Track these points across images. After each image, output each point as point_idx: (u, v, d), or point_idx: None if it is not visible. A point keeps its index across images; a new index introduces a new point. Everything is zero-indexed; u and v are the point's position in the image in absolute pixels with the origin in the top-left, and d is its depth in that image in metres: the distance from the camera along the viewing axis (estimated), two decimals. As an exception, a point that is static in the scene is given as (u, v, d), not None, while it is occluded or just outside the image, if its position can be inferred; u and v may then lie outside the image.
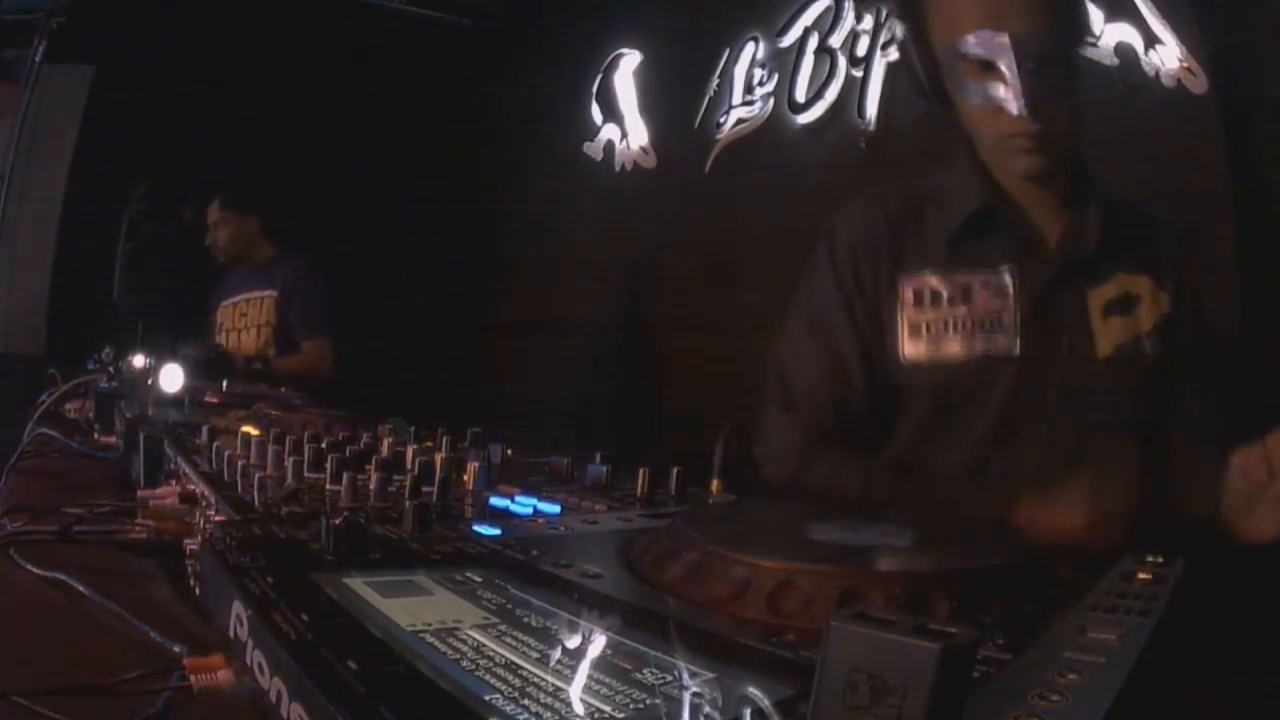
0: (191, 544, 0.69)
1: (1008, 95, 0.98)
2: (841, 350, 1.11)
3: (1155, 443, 1.06)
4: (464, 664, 0.38)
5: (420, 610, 0.45)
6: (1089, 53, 2.06)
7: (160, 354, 1.89)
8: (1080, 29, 1.03)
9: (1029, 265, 1.06)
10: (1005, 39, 0.96)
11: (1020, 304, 1.05)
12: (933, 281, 1.08)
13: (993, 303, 1.06)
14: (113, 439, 1.52)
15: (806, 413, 1.12)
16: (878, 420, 1.11)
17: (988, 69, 0.99)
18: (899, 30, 1.10)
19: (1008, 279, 1.06)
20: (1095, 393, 1.04)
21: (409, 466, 0.88)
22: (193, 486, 0.88)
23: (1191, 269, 1.12)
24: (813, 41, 2.82)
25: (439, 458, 0.89)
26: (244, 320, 3.08)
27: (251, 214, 3.09)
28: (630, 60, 3.57)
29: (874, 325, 1.10)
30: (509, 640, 0.42)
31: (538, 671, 0.38)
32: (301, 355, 2.98)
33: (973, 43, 0.98)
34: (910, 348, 1.08)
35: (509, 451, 1.08)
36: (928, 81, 1.08)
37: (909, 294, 1.08)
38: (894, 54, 2.57)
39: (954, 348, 1.06)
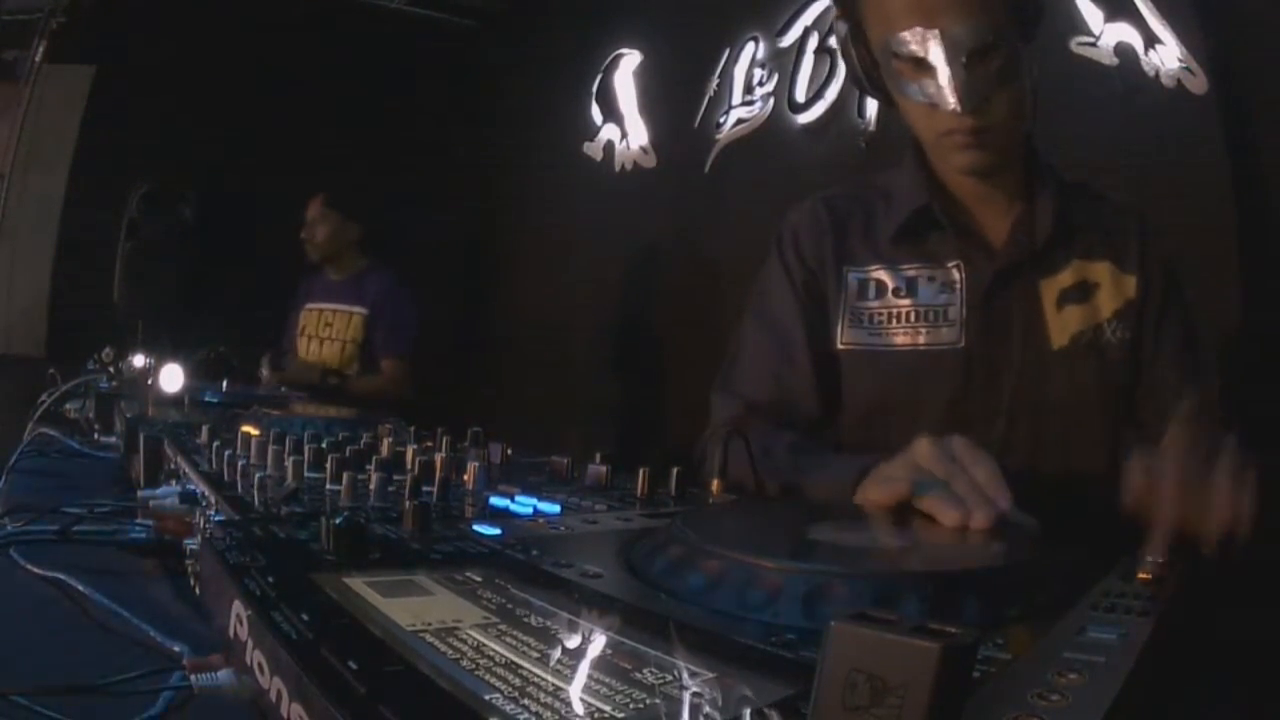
0: (191, 544, 0.69)
1: (942, 92, 0.97)
2: (788, 338, 1.12)
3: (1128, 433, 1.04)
4: (464, 664, 0.38)
5: (420, 610, 0.45)
6: (1089, 53, 2.07)
7: (180, 357, 1.88)
8: (1023, 19, 1.00)
9: (976, 259, 1.06)
10: (936, 35, 0.95)
11: (966, 297, 1.05)
12: (878, 274, 1.09)
13: (938, 296, 1.06)
14: (113, 439, 1.52)
15: (745, 395, 1.13)
16: (826, 413, 1.12)
17: (922, 66, 0.98)
18: (840, 28, 1.09)
19: (955, 274, 1.06)
20: (1054, 385, 1.03)
21: (409, 466, 0.88)
22: (193, 486, 0.88)
23: (1159, 249, 1.10)
24: (813, 41, 2.82)
25: (439, 458, 0.89)
26: (329, 330, 3.07)
27: (354, 219, 3.08)
28: (630, 60, 3.56)
29: (820, 318, 1.12)
30: (509, 640, 0.42)
31: (538, 671, 0.38)
32: (381, 376, 2.99)
33: (906, 40, 0.97)
34: (851, 336, 1.09)
35: (509, 451, 1.08)
36: (867, 80, 1.07)
37: (854, 286, 1.10)
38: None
39: (897, 339, 1.07)
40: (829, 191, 1.19)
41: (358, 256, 3.10)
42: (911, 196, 1.09)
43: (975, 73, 0.96)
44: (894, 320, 1.08)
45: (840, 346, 1.10)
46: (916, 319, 1.06)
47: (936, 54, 0.96)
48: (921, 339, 1.06)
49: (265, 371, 2.73)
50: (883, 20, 1.00)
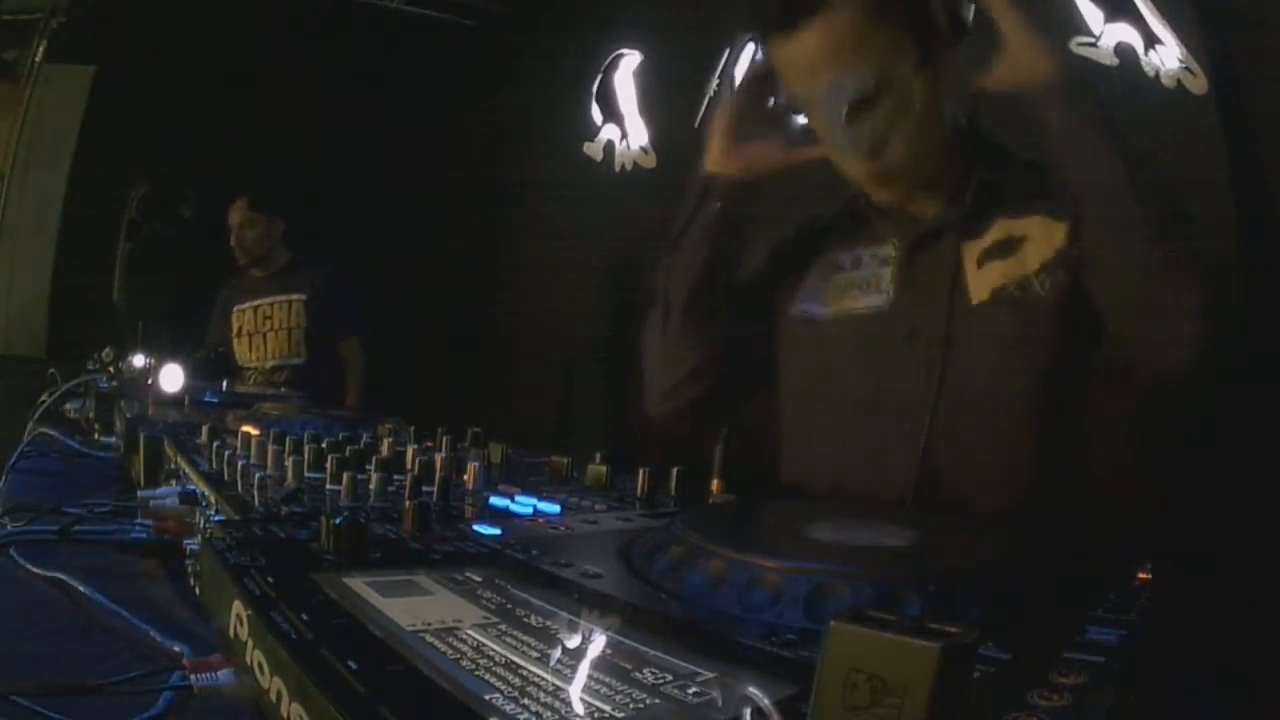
0: (191, 544, 0.69)
1: (834, 143, 1.03)
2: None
3: (1073, 395, 1.05)
4: (464, 663, 0.38)
5: (420, 610, 0.45)
6: (1089, 53, 2.07)
7: (176, 358, 1.89)
8: (927, 41, 1.01)
9: (909, 231, 1.11)
10: (815, 94, 1.00)
11: (896, 265, 1.10)
12: (827, 256, 1.18)
13: (878, 270, 1.13)
14: (113, 439, 1.52)
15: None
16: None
17: (814, 118, 1.04)
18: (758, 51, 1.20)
19: (890, 250, 1.12)
20: (973, 340, 1.05)
21: (409, 466, 0.88)
22: (193, 486, 0.88)
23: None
24: (813, 41, 2.82)
25: (439, 458, 0.89)
26: (269, 323, 3.12)
27: (278, 217, 3.14)
28: (630, 60, 3.56)
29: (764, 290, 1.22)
30: (509, 640, 0.42)
31: (538, 671, 0.38)
32: (348, 362, 3.13)
33: (795, 96, 1.04)
34: (800, 310, 1.18)
35: (509, 451, 1.08)
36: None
37: (809, 266, 1.19)
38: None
39: (836, 307, 1.15)
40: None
41: (282, 252, 3.18)
42: (847, 197, 1.17)
43: (860, 123, 0.99)
44: (837, 293, 1.15)
45: (790, 316, 1.18)
46: (854, 289, 1.14)
47: (819, 109, 1.01)
48: (858, 305, 1.13)
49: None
50: (782, 73, 1.06)
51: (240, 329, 3.15)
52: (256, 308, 3.14)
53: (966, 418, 1.03)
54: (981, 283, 1.06)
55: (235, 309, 3.18)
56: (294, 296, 3.11)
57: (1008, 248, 1.06)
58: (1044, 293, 1.03)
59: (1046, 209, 1.05)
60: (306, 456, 0.88)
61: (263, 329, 3.13)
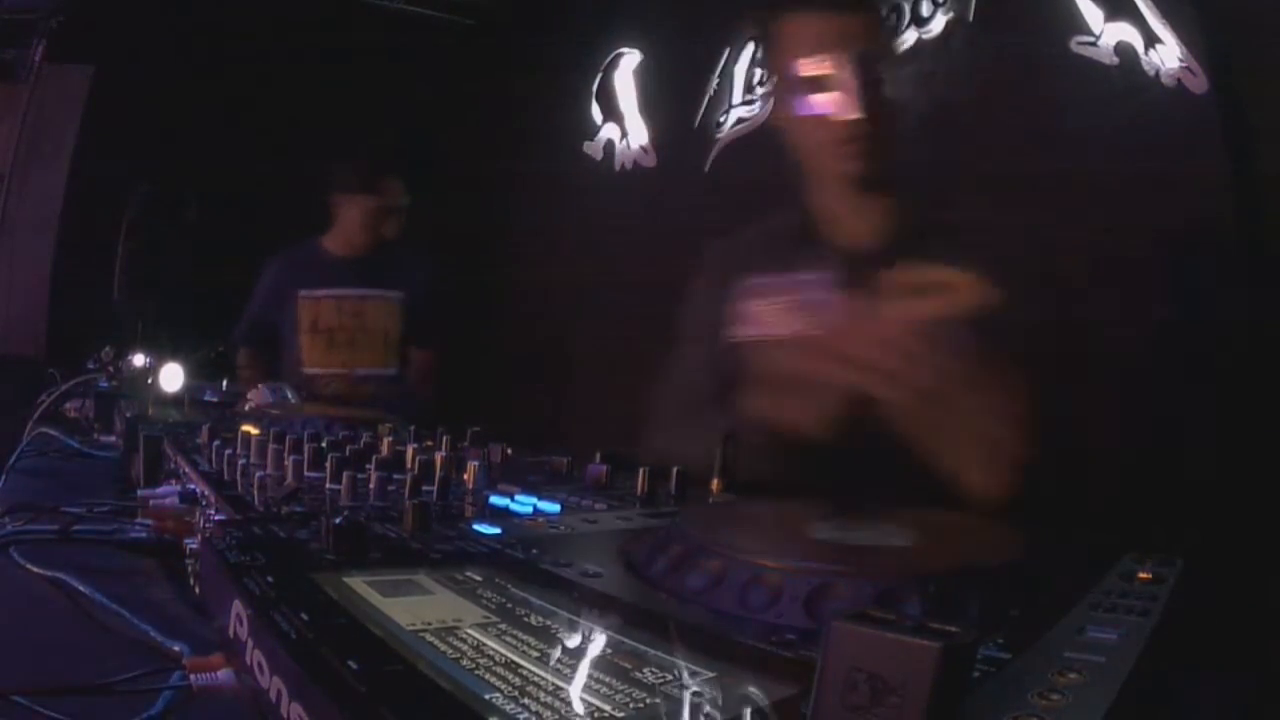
0: (191, 544, 0.69)
1: (840, 102, 1.14)
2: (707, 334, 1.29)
3: None
4: (464, 663, 0.38)
5: (420, 609, 0.45)
6: (1089, 52, 2.07)
7: (176, 357, 1.82)
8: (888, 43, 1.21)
9: (847, 256, 1.20)
10: (836, 57, 1.14)
11: (837, 289, 1.15)
12: (772, 278, 1.21)
13: (818, 294, 1.16)
14: (113, 439, 1.52)
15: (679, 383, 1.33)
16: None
17: (821, 83, 1.16)
18: (758, 51, 1.27)
19: (833, 274, 1.16)
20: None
21: (409, 466, 0.88)
22: (193, 486, 0.88)
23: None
24: (812, 41, 2.82)
25: (439, 457, 0.89)
26: (359, 322, 2.54)
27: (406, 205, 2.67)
28: (630, 60, 3.56)
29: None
30: (509, 639, 0.42)
31: (538, 670, 0.38)
32: (418, 371, 2.61)
33: (809, 64, 1.16)
34: (744, 330, 1.21)
35: (509, 451, 1.08)
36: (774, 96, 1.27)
37: (752, 289, 1.22)
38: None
39: (779, 329, 1.17)
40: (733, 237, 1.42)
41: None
42: (793, 216, 1.30)
43: (869, 87, 1.14)
44: (779, 315, 1.18)
45: (737, 342, 1.22)
46: (795, 312, 1.17)
47: (837, 72, 1.14)
48: (796, 327, 1.16)
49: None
50: (792, 46, 1.19)
51: (316, 323, 2.54)
52: (340, 300, 2.55)
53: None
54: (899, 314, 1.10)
55: (303, 295, 2.55)
56: (390, 294, 2.57)
57: (926, 290, 1.10)
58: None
59: (939, 254, 1.11)
60: (306, 456, 0.88)
61: (349, 328, 2.54)
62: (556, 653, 0.41)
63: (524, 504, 0.78)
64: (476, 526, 0.67)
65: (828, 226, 1.28)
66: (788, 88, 1.21)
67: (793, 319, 1.17)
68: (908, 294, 1.10)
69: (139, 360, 2.21)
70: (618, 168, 3.57)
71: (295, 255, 2.69)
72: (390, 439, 1.06)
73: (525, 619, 0.45)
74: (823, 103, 1.16)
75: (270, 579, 0.48)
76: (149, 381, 1.82)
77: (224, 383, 2.02)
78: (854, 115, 1.14)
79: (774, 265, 1.24)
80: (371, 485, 0.80)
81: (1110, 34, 2.04)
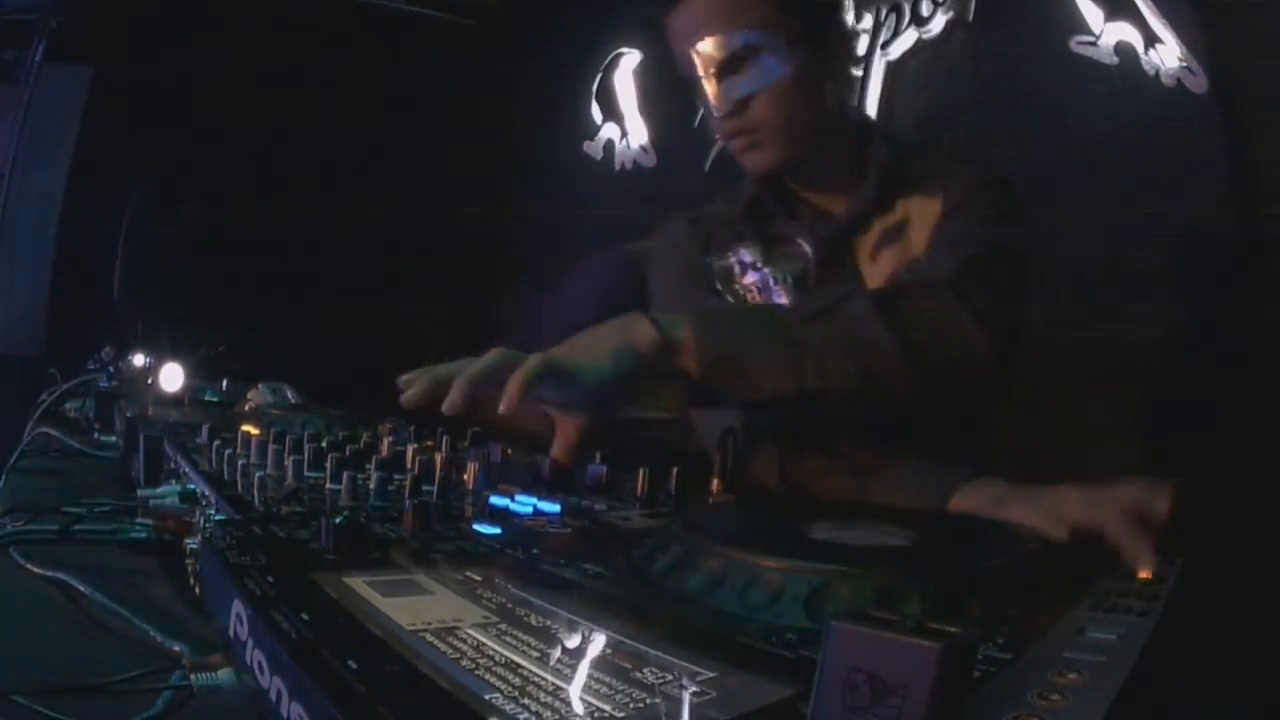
0: (191, 544, 0.69)
1: (705, 101, 1.08)
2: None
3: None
4: (464, 663, 0.38)
5: (420, 610, 0.45)
6: (1089, 52, 2.07)
7: (180, 356, 1.81)
8: (800, 20, 1.06)
9: (820, 230, 1.13)
10: (690, 53, 1.07)
11: (808, 265, 1.12)
12: (738, 253, 1.17)
13: (786, 269, 1.13)
14: (113, 439, 1.52)
15: None
16: None
17: (693, 80, 1.09)
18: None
19: (806, 247, 1.13)
20: None
21: (409, 466, 0.88)
22: (193, 486, 0.88)
23: (982, 175, 1.10)
24: (812, 41, 2.82)
25: (439, 457, 0.89)
26: None
27: None
28: (630, 60, 3.56)
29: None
30: (509, 639, 0.42)
31: (538, 670, 0.38)
32: None
33: (679, 60, 1.10)
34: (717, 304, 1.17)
35: (509, 451, 1.08)
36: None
37: (718, 266, 1.19)
38: (894, 54, 2.57)
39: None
40: (694, 210, 1.31)
41: None
42: (749, 189, 1.20)
43: (726, 81, 1.05)
44: (749, 294, 1.16)
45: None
46: (771, 286, 1.14)
47: (695, 69, 1.07)
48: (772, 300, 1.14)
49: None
50: (672, 42, 1.12)
51: None
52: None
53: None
54: (876, 274, 1.08)
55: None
56: None
57: (896, 232, 1.09)
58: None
59: (922, 189, 1.08)
60: (306, 456, 0.88)
61: None
62: (556, 653, 0.41)
63: (524, 504, 0.78)
64: (476, 526, 0.67)
65: (789, 200, 1.21)
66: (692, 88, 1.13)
67: (771, 295, 1.14)
68: (883, 245, 1.09)
69: (139, 360, 2.21)
70: (618, 168, 3.57)
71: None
72: (390, 439, 1.06)
73: (525, 619, 0.45)
74: (704, 97, 1.09)
75: (270, 579, 0.48)
76: (149, 381, 1.82)
77: (224, 382, 2.02)
78: (715, 113, 1.08)
79: (744, 240, 1.19)
80: (371, 485, 0.80)
81: (1110, 34, 2.04)
